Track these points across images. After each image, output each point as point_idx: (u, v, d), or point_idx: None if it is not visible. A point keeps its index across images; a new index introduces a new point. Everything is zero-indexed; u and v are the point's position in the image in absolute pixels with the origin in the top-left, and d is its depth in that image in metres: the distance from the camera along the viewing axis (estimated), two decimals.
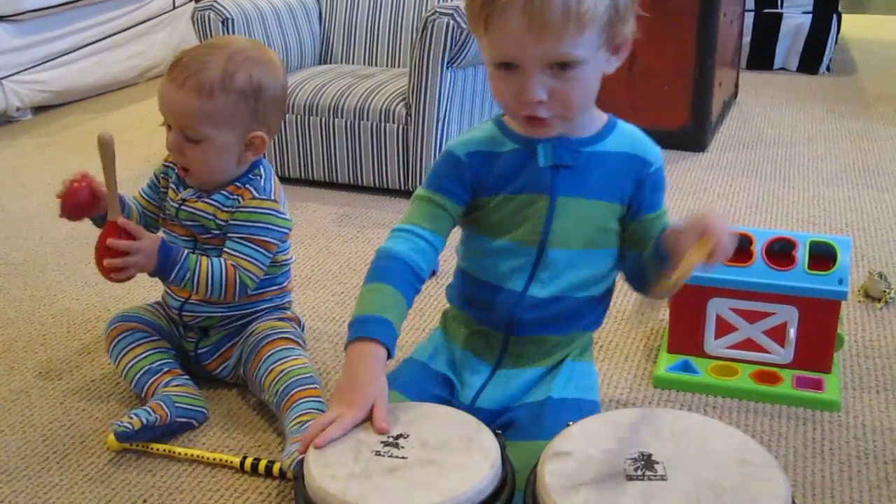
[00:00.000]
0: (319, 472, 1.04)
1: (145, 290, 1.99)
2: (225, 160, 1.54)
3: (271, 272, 1.62)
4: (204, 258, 1.53)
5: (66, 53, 3.70)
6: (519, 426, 1.24)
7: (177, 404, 1.50)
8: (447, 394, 1.31)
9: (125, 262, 1.49)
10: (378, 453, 1.06)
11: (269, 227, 1.56)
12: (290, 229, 1.60)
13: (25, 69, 3.53)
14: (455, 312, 1.40)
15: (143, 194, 1.68)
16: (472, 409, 1.27)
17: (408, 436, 1.09)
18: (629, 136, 1.28)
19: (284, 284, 1.67)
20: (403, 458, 1.06)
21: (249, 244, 1.55)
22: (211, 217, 1.57)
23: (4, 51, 3.44)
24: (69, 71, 3.70)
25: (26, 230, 2.46)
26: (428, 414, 1.16)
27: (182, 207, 1.60)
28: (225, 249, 1.55)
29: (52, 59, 3.64)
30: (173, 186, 1.62)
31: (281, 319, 1.63)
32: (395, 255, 1.23)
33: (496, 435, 1.10)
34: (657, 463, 1.02)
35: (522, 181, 1.26)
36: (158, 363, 1.58)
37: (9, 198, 2.72)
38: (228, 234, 1.56)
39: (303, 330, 1.70)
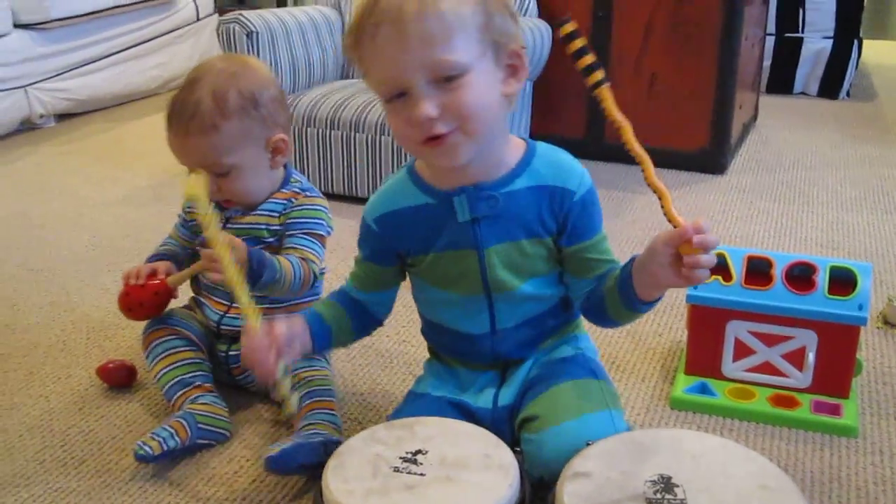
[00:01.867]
0: (337, 486, 1.05)
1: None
2: (260, 176, 1.57)
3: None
4: (283, 258, 1.53)
5: (91, 62, 3.74)
6: (533, 386, 1.28)
7: (199, 424, 1.49)
8: (455, 413, 1.31)
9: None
10: (396, 469, 1.07)
11: (323, 222, 1.61)
12: (333, 229, 1.64)
13: (50, 77, 3.57)
14: (437, 352, 1.43)
15: (183, 236, 1.72)
16: (496, 409, 1.30)
17: (426, 452, 1.10)
18: (547, 166, 1.24)
19: (320, 294, 1.68)
20: (421, 475, 1.06)
21: (310, 238, 1.58)
22: (264, 227, 1.59)
23: (30, 58, 3.48)
24: (93, 79, 3.74)
25: (47, 236, 2.48)
26: (447, 430, 1.16)
27: (228, 226, 1.60)
28: (288, 246, 1.57)
29: (76, 68, 3.68)
30: (213, 208, 1.62)
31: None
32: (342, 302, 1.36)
33: (515, 452, 1.11)
34: (677, 486, 1.02)
35: (445, 239, 1.25)
36: (191, 375, 1.56)
37: (30, 204, 2.74)
38: (288, 232, 1.58)
39: None
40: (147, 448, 1.41)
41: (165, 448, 1.43)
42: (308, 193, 1.62)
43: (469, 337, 1.31)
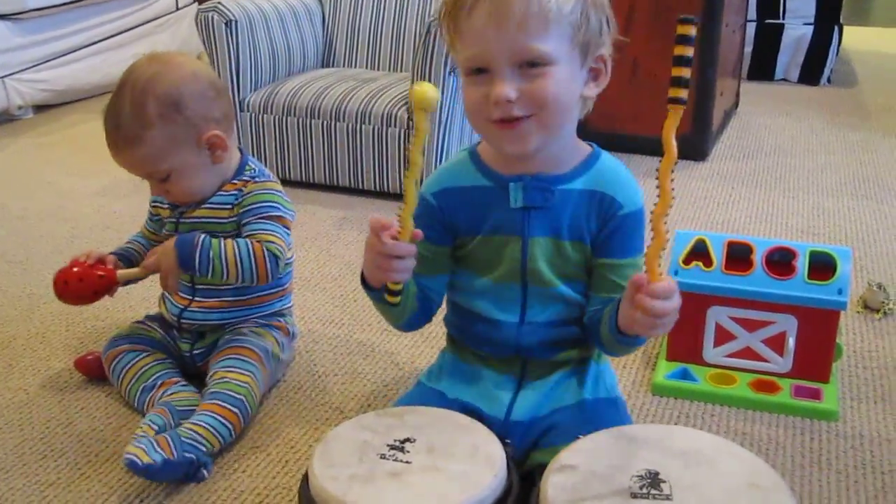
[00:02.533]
0: (322, 471, 1.04)
1: (141, 300, 1.98)
2: (201, 175, 1.56)
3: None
4: (229, 240, 1.51)
5: (69, 53, 3.70)
6: (561, 429, 1.24)
7: (176, 407, 1.48)
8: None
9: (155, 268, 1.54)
10: (383, 456, 1.07)
11: (279, 204, 1.58)
12: (294, 213, 1.61)
13: (28, 68, 3.54)
14: (458, 342, 1.40)
15: (149, 229, 1.72)
16: (508, 422, 1.26)
17: (415, 440, 1.10)
18: (606, 174, 1.24)
19: (286, 286, 1.67)
20: (407, 462, 1.06)
21: (266, 220, 1.55)
22: (214, 220, 1.58)
23: (7, 49, 3.44)
24: (71, 70, 3.71)
25: (26, 228, 2.46)
26: (438, 419, 1.16)
27: (182, 220, 1.60)
28: (246, 234, 1.55)
29: (54, 59, 3.64)
30: (167, 206, 1.63)
31: (267, 327, 1.62)
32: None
33: (504, 444, 1.10)
34: (663, 482, 1.01)
35: (495, 222, 1.25)
36: (153, 378, 1.57)
37: (9, 196, 2.72)
38: (244, 221, 1.56)
39: (292, 338, 1.70)
40: (142, 435, 1.39)
41: (157, 427, 1.42)
42: (258, 179, 1.58)
43: (497, 324, 1.29)
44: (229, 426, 1.45)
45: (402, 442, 1.10)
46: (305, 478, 1.08)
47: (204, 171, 1.55)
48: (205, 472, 1.40)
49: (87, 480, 1.41)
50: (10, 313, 1.97)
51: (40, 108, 3.67)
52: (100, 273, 1.55)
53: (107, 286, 1.57)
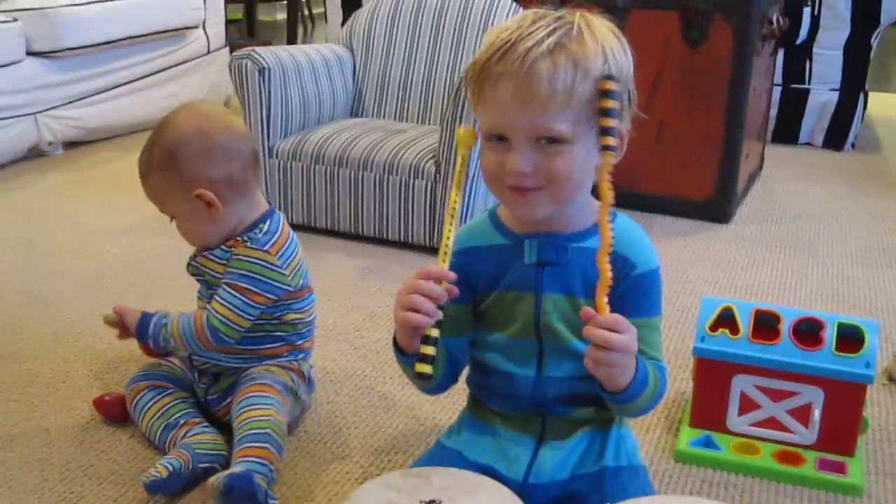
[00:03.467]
0: None
1: None
2: (198, 225, 1.60)
3: (282, 330, 1.64)
4: (177, 316, 1.60)
5: (101, 92, 3.76)
6: (582, 499, 1.24)
7: (196, 450, 1.50)
8: None
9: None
10: None
11: (255, 276, 1.57)
12: (285, 284, 1.60)
13: (60, 105, 3.59)
14: (477, 399, 1.40)
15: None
16: (526, 485, 1.26)
17: (441, 502, 1.09)
18: (621, 235, 1.23)
19: (298, 343, 1.67)
20: None
21: (230, 290, 1.57)
22: (210, 271, 1.62)
23: (41, 86, 3.50)
24: (103, 108, 3.76)
25: (52, 265, 2.48)
26: (464, 482, 1.15)
27: (191, 263, 1.66)
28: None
29: (87, 97, 3.69)
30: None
31: (279, 366, 1.63)
32: None
33: None
34: None
35: (510, 278, 1.27)
36: (175, 417, 1.59)
37: (36, 231, 2.74)
38: (221, 282, 1.60)
39: (309, 384, 1.70)
40: (155, 473, 1.43)
41: (171, 469, 1.44)
42: (249, 245, 1.58)
43: (513, 378, 1.29)
44: (265, 462, 1.45)
45: (429, 503, 1.09)
46: None
47: (202, 221, 1.59)
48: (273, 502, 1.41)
49: None
50: (33, 350, 1.98)
51: (70, 144, 3.72)
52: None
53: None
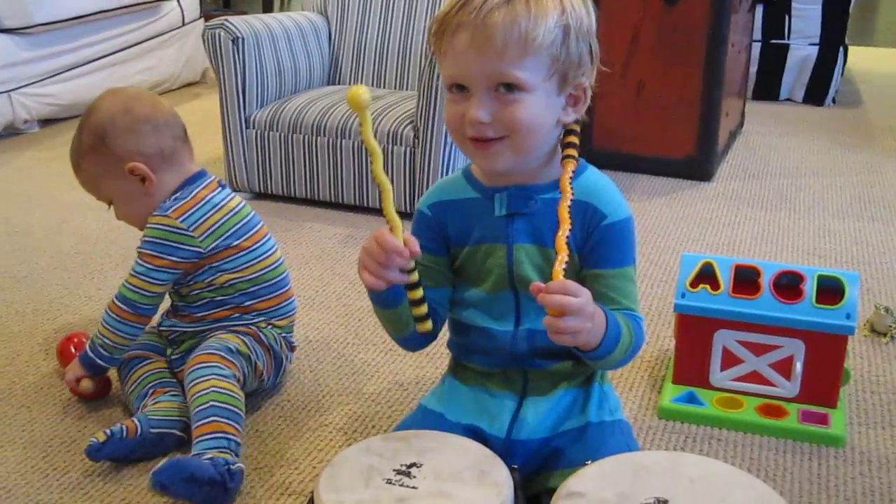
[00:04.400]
0: (328, 496, 1.04)
1: None
2: (135, 202, 1.62)
3: (222, 294, 1.63)
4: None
5: (75, 67, 3.71)
6: (566, 454, 1.24)
7: (149, 417, 1.51)
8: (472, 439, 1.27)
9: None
10: (389, 481, 1.06)
11: (156, 241, 1.58)
12: (192, 245, 1.57)
13: (34, 82, 3.55)
14: (458, 360, 1.39)
15: None
16: (509, 442, 1.26)
17: (421, 465, 1.09)
18: (591, 186, 1.25)
19: (247, 304, 1.64)
20: (414, 487, 1.05)
21: (138, 259, 1.60)
22: None
23: (14, 63, 3.45)
24: (77, 85, 3.72)
25: (30, 244, 2.46)
26: (445, 444, 1.15)
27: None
28: None
29: (60, 73, 3.65)
30: None
31: (234, 332, 1.61)
32: None
33: (512, 470, 1.09)
34: None
35: (481, 231, 1.28)
36: (147, 386, 1.61)
37: (13, 211, 2.72)
38: None
39: (274, 353, 1.65)
40: (93, 439, 1.45)
41: (109, 435, 1.45)
42: (155, 213, 1.59)
43: (492, 334, 1.29)
44: (217, 435, 1.42)
45: (409, 467, 1.09)
46: (311, 502, 1.07)
47: (139, 198, 1.61)
48: (238, 465, 1.39)
49: (90, 500, 1.40)
50: (13, 329, 1.96)
51: (46, 122, 3.67)
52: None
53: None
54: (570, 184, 1.14)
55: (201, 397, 1.46)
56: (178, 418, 1.53)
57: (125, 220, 1.67)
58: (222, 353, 1.53)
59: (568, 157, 1.18)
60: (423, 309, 1.20)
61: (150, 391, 1.59)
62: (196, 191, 1.61)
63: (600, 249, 1.24)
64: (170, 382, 1.62)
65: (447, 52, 1.17)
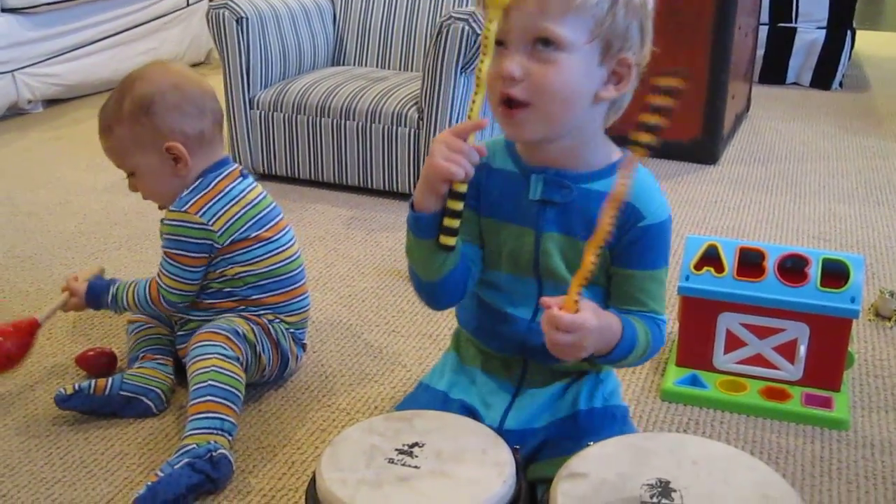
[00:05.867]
0: (330, 475, 1.04)
1: None
2: (161, 180, 1.59)
3: (230, 286, 1.61)
4: (131, 286, 1.64)
5: (80, 47, 3.70)
6: (553, 443, 1.22)
7: (125, 381, 1.55)
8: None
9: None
10: (391, 461, 1.06)
11: (182, 239, 1.56)
12: (212, 240, 1.56)
13: (39, 62, 3.53)
14: (467, 336, 1.37)
15: None
16: (500, 431, 1.23)
17: (423, 445, 1.09)
18: (634, 184, 1.16)
19: (255, 298, 1.62)
20: (416, 467, 1.05)
21: (168, 259, 1.59)
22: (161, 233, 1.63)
23: (18, 43, 3.44)
24: (82, 65, 3.71)
25: (34, 223, 2.46)
26: (447, 424, 1.15)
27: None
28: None
29: (65, 53, 3.64)
30: None
31: (242, 317, 1.59)
32: None
33: (513, 450, 1.09)
34: (674, 491, 1.00)
35: (511, 210, 1.23)
36: (141, 350, 1.65)
37: (17, 190, 2.72)
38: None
39: (279, 346, 1.62)
40: (62, 390, 1.52)
41: (77, 389, 1.51)
42: (173, 207, 1.57)
43: (508, 319, 1.27)
44: (212, 415, 1.42)
45: (411, 446, 1.08)
46: (313, 481, 1.07)
47: (165, 177, 1.59)
48: (224, 453, 1.38)
49: (93, 479, 1.40)
50: (17, 308, 1.96)
51: (50, 102, 3.67)
52: (20, 335, 1.62)
53: (24, 342, 1.62)
54: (626, 182, 1.02)
55: (200, 375, 1.46)
56: (152, 387, 1.56)
57: (145, 195, 1.63)
58: (229, 335, 1.52)
59: (637, 144, 1.00)
60: (456, 223, 1.12)
61: (141, 355, 1.63)
62: (216, 181, 1.59)
63: (634, 250, 1.19)
64: (162, 351, 1.64)
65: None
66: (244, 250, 1.59)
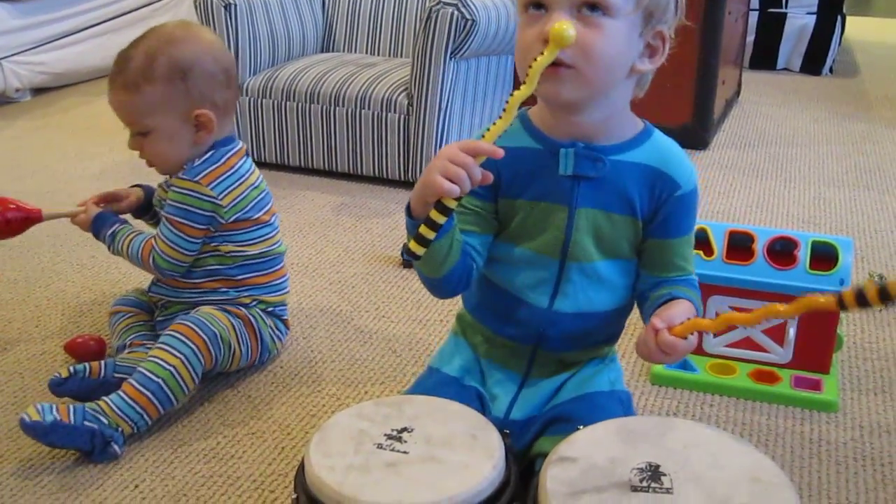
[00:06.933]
0: (319, 461, 1.03)
1: (138, 279, 1.97)
2: (177, 145, 1.56)
3: (219, 262, 1.61)
4: (131, 235, 1.60)
5: (67, 35, 3.68)
6: (560, 422, 1.21)
7: (117, 364, 1.54)
8: (479, 407, 1.24)
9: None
10: (380, 446, 1.05)
11: (189, 209, 1.55)
12: (219, 214, 1.56)
13: (26, 50, 3.51)
14: (471, 320, 1.35)
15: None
16: (506, 421, 1.24)
17: (412, 430, 1.08)
18: (662, 151, 1.20)
19: (239, 278, 1.62)
20: (405, 452, 1.04)
21: (169, 225, 1.56)
22: (162, 199, 1.61)
23: (5, 31, 3.42)
24: (69, 53, 3.69)
25: None
26: (436, 409, 1.14)
27: (156, 196, 1.68)
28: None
29: (52, 41, 3.62)
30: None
31: (223, 311, 1.59)
32: None
33: (503, 434, 1.09)
34: (664, 475, 0.99)
35: (541, 188, 1.20)
36: (128, 338, 1.64)
37: (5, 179, 2.70)
38: (162, 213, 1.59)
39: (262, 339, 1.63)
40: (57, 374, 1.50)
41: (72, 372, 1.50)
42: (182, 174, 1.55)
43: (519, 303, 1.25)
44: (139, 410, 1.43)
45: (400, 432, 1.08)
46: (302, 466, 1.07)
47: (182, 143, 1.56)
48: (115, 447, 1.40)
49: (82, 465, 1.40)
50: (5, 297, 1.95)
51: (38, 90, 3.65)
52: (12, 206, 1.66)
53: (20, 223, 1.67)
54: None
55: (156, 367, 1.47)
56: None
57: (151, 158, 1.59)
58: (207, 341, 1.52)
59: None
60: (431, 234, 1.07)
61: (129, 342, 1.62)
62: (227, 156, 1.58)
63: (672, 220, 1.20)
64: (147, 336, 1.64)
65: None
66: (243, 230, 1.60)
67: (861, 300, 0.90)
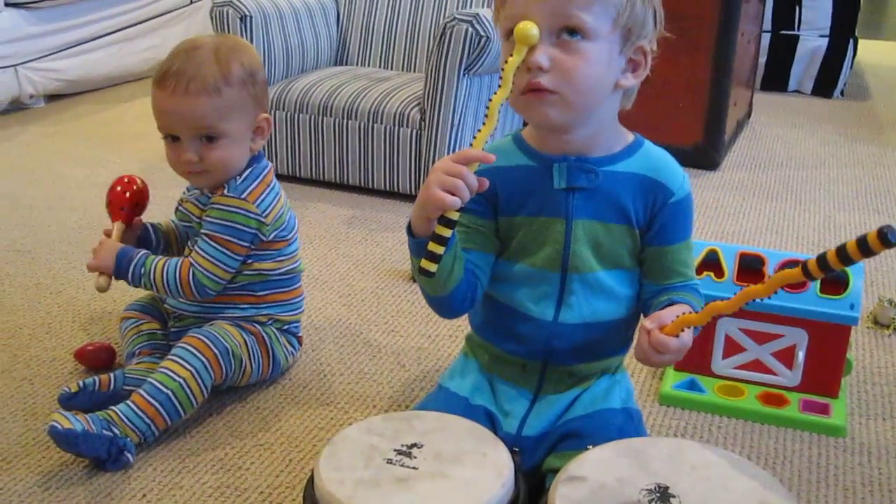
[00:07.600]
0: (328, 474, 1.04)
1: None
2: (241, 151, 1.57)
3: (248, 280, 1.61)
4: (162, 259, 1.56)
5: (82, 43, 3.70)
6: (572, 438, 1.22)
7: (126, 375, 1.55)
8: (489, 426, 1.25)
9: (89, 264, 1.61)
10: (389, 461, 1.06)
11: (233, 225, 1.55)
12: (262, 232, 1.56)
13: (41, 57, 3.53)
14: (479, 340, 1.36)
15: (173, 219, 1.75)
16: (518, 438, 1.24)
17: (422, 446, 1.09)
18: (654, 160, 1.23)
19: (261, 295, 1.62)
20: (414, 468, 1.05)
21: (211, 242, 1.55)
22: (192, 216, 1.61)
23: (21, 38, 3.44)
24: (84, 60, 3.71)
25: (34, 218, 2.46)
26: (446, 425, 1.15)
27: (179, 208, 1.65)
28: (194, 244, 1.58)
29: (67, 48, 3.64)
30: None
31: (238, 326, 1.59)
32: None
33: (513, 453, 1.09)
34: (673, 497, 0.99)
35: (538, 203, 1.23)
36: (137, 346, 1.64)
37: (18, 185, 2.72)
38: (200, 231, 1.58)
39: (273, 356, 1.63)
40: (66, 388, 1.51)
41: (81, 387, 1.51)
42: (227, 192, 1.55)
43: (524, 318, 1.27)
44: (147, 420, 1.44)
45: (410, 447, 1.09)
46: (311, 480, 1.07)
47: (244, 149, 1.57)
48: (128, 455, 1.41)
49: (91, 473, 1.40)
50: (16, 302, 1.96)
51: (52, 97, 3.67)
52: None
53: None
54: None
55: (167, 379, 1.47)
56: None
57: (213, 166, 1.54)
58: (218, 355, 1.52)
59: None
60: (440, 249, 1.09)
61: (138, 351, 1.62)
62: (265, 172, 1.59)
63: (668, 227, 1.23)
64: (158, 346, 1.63)
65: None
66: (278, 249, 1.61)
67: (823, 265, 0.95)
